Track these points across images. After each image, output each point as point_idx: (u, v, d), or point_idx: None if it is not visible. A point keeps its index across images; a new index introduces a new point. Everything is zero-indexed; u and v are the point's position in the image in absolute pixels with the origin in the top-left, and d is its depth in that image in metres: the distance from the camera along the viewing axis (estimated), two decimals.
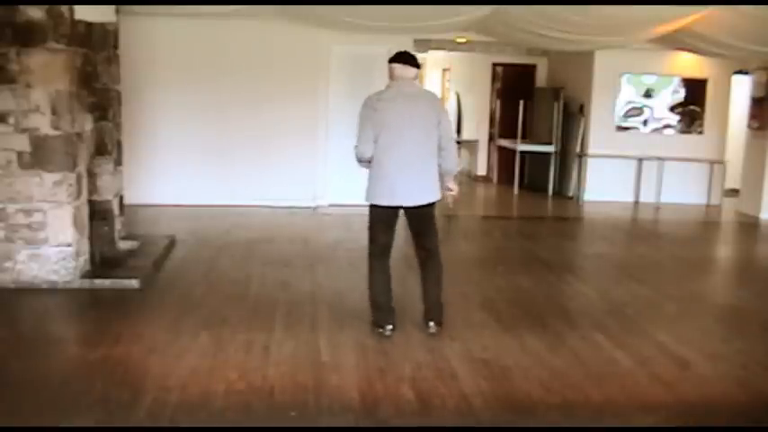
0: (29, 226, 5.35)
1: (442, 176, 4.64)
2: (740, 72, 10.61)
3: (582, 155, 10.77)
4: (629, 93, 10.75)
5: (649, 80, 10.75)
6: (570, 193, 11.01)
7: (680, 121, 10.86)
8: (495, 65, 12.54)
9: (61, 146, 5.27)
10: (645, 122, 10.85)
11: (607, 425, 3.58)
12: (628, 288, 6.11)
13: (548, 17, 6.79)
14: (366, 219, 4.63)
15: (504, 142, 11.96)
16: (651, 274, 6.69)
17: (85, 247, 5.64)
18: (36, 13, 5.08)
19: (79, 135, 5.48)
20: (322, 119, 9.24)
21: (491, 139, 12.79)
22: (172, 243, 6.79)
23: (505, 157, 12.03)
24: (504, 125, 12.22)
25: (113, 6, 6.48)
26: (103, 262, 5.85)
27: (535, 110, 11.68)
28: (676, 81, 10.75)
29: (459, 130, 13.02)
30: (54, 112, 5.21)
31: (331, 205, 9.22)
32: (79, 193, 5.50)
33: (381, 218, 4.54)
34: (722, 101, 10.81)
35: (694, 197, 10.70)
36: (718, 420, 3.69)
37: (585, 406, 3.75)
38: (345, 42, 8.89)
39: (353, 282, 5.54)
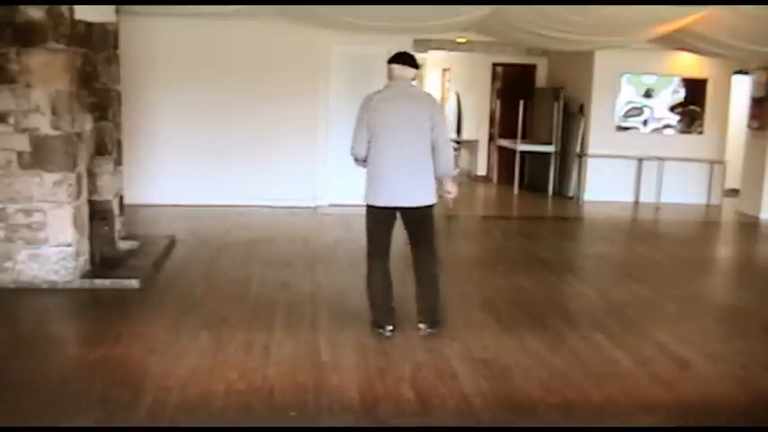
0: (29, 226, 5.35)
1: (439, 179, 4.63)
2: (740, 72, 10.61)
3: (582, 155, 10.78)
4: (629, 93, 10.75)
5: (649, 80, 10.75)
6: (570, 193, 11.01)
7: (680, 121, 10.87)
8: (495, 65, 12.54)
9: (61, 146, 5.27)
10: (645, 122, 10.85)
11: (607, 425, 3.58)
12: (628, 288, 6.12)
13: (548, 17, 6.79)
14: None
15: (504, 142, 11.96)
16: (651, 274, 6.69)
17: (85, 247, 5.64)
18: (36, 13, 5.08)
19: (79, 135, 5.48)
20: (322, 119, 9.24)
21: (491, 139, 12.79)
22: (172, 243, 6.79)
23: (505, 157, 12.03)
24: (504, 125, 12.22)
25: (113, 6, 6.48)
26: (103, 262, 5.85)
27: (535, 110, 11.68)
28: (676, 81, 10.75)
29: (459, 130, 13.04)
30: (54, 112, 5.21)
31: (331, 205, 9.22)
32: (79, 193, 5.50)
33: (379, 218, 4.54)
34: (722, 101, 10.81)
35: (694, 197, 10.70)
36: (718, 420, 3.69)
37: (585, 406, 3.75)
38: (345, 42, 8.89)
39: (353, 282, 5.53)
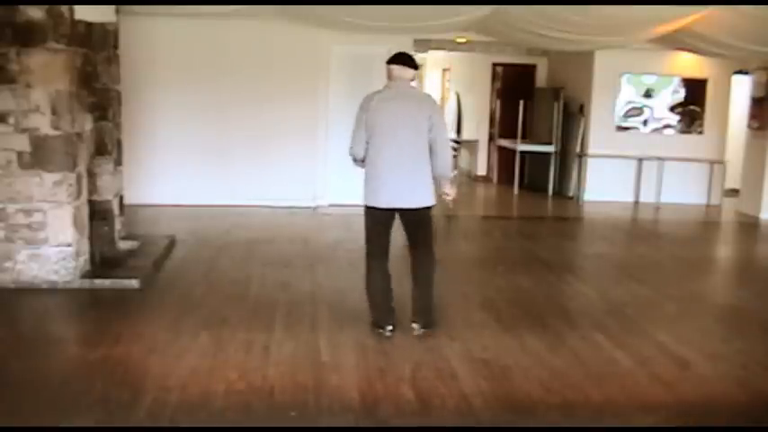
0: (29, 226, 5.35)
1: (437, 180, 4.61)
2: (740, 72, 10.61)
3: (582, 155, 10.77)
4: (629, 93, 10.75)
5: (649, 80, 10.75)
6: (570, 193, 11.01)
7: (680, 121, 10.86)
8: (495, 65, 12.54)
9: (61, 146, 5.27)
10: (645, 122, 10.85)
11: (607, 425, 3.58)
12: (628, 288, 6.12)
13: (548, 17, 6.79)
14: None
15: (504, 142, 11.95)
16: (651, 274, 6.69)
17: (85, 247, 5.64)
18: (36, 13, 5.08)
19: (79, 135, 5.48)
20: (322, 119, 9.24)
21: (491, 139, 12.79)
22: (172, 243, 6.79)
23: (505, 157, 12.03)
24: (504, 125, 12.22)
25: (113, 6, 6.48)
26: (103, 262, 5.85)
27: (535, 110, 11.68)
28: (676, 81, 10.75)
29: (459, 130, 13.03)
30: (54, 112, 5.21)
31: (331, 205, 9.22)
32: (79, 193, 5.50)
33: (378, 219, 4.53)
34: (722, 101, 10.81)
35: (694, 197, 10.70)
36: (718, 420, 3.69)
37: (585, 406, 3.75)
38: (345, 42, 8.89)
39: (353, 282, 5.53)
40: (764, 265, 7.87)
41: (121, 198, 6.59)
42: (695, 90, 10.75)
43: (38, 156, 5.26)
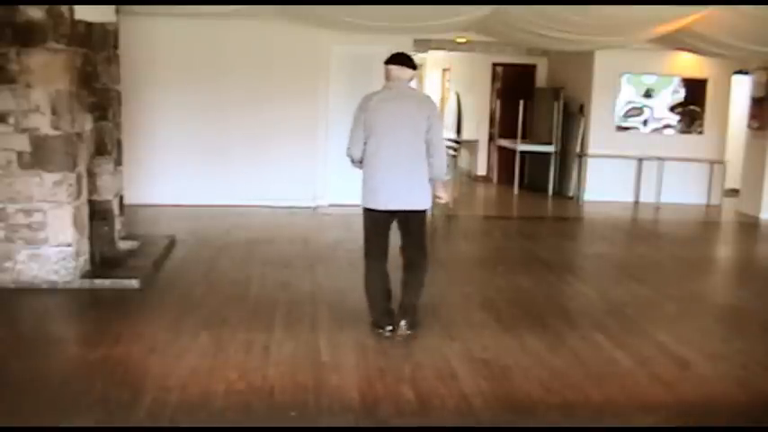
0: (29, 226, 5.35)
1: (432, 182, 4.59)
2: (740, 72, 10.61)
3: (582, 155, 10.77)
4: (629, 93, 10.75)
5: (649, 80, 10.75)
6: (570, 193, 11.01)
7: (680, 121, 10.86)
8: (495, 65, 12.54)
9: (61, 146, 5.27)
10: (645, 122, 10.85)
11: (607, 425, 3.58)
12: (628, 288, 6.12)
13: (548, 17, 6.79)
14: None
15: (504, 142, 11.95)
16: (651, 274, 6.69)
17: (85, 247, 5.64)
18: (36, 13, 5.08)
19: (79, 135, 5.48)
20: (322, 119, 9.24)
21: (491, 139, 12.79)
22: (172, 243, 6.79)
23: (505, 157, 12.03)
24: (504, 125, 12.22)
25: (113, 6, 6.48)
26: (103, 262, 5.85)
27: (535, 110, 11.68)
28: (676, 81, 10.75)
29: (459, 130, 13.03)
30: (54, 112, 5.21)
31: (331, 205, 9.22)
32: (79, 193, 5.50)
33: (376, 220, 4.53)
34: (722, 101, 10.81)
35: (694, 197, 10.70)
36: (718, 420, 3.69)
37: (585, 406, 3.75)
38: (345, 42, 8.89)
39: (353, 282, 5.52)
40: (764, 265, 7.87)
41: (121, 198, 6.59)
42: (695, 90, 10.75)
43: (38, 156, 5.26)
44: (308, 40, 8.91)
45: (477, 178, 12.87)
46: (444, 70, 14.94)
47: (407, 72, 4.51)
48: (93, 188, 6.00)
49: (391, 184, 4.42)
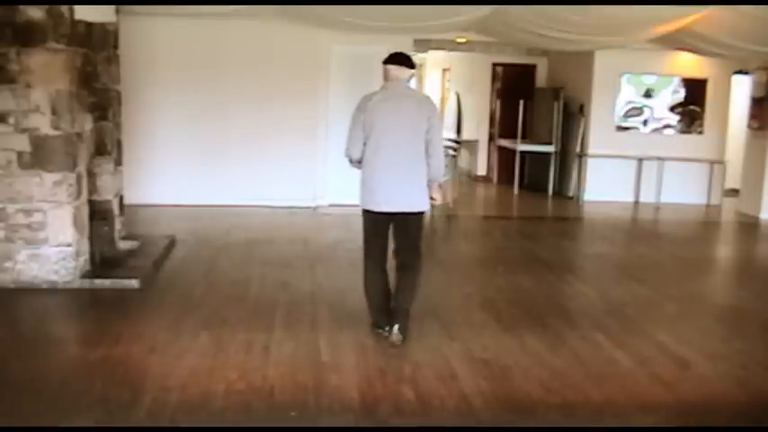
0: (29, 226, 5.35)
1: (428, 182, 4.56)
2: (740, 72, 10.61)
3: (582, 155, 10.77)
4: (629, 93, 10.75)
5: (649, 80, 10.75)
6: (570, 193, 11.01)
7: (680, 121, 10.87)
8: (495, 65, 12.54)
9: (61, 146, 5.27)
10: (645, 122, 10.85)
11: (607, 425, 3.59)
12: (628, 288, 6.12)
13: (548, 17, 6.79)
14: None
15: (504, 142, 11.95)
16: (651, 274, 6.69)
17: (85, 247, 5.64)
18: (36, 13, 5.08)
19: (79, 135, 5.48)
20: (322, 119, 9.24)
21: (491, 139, 12.79)
22: (172, 243, 6.79)
23: (505, 157, 12.03)
24: (504, 125, 12.22)
25: (113, 6, 6.48)
26: (103, 262, 5.85)
27: (535, 110, 11.68)
28: (676, 81, 10.75)
29: (459, 130, 13.04)
30: (54, 112, 5.21)
31: (331, 205, 9.22)
32: (79, 193, 5.50)
33: (375, 221, 4.51)
34: (722, 101, 10.81)
35: (694, 197, 10.70)
36: (718, 420, 3.69)
37: (585, 406, 3.75)
38: (345, 42, 8.89)
39: (353, 282, 5.52)
40: (764, 265, 7.87)
41: (121, 198, 6.59)
42: (695, 90, 10.75)
43: (38, 156, 5.26)
44: (308, 40, 8.91)
45: (477, 178, 12.87)
46: (444, 70, 14.93)
47: (406, 72, 4.49)
48: (93, 188, 6.00)
49: (390, 185, 4.40)
